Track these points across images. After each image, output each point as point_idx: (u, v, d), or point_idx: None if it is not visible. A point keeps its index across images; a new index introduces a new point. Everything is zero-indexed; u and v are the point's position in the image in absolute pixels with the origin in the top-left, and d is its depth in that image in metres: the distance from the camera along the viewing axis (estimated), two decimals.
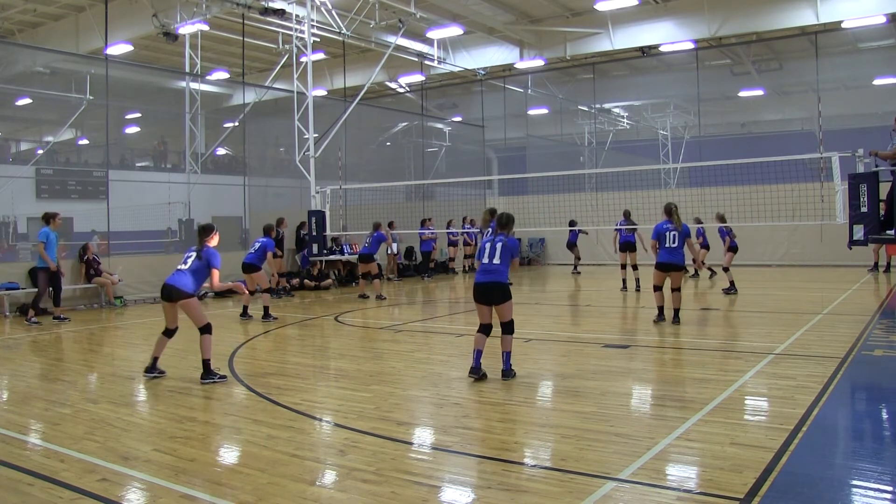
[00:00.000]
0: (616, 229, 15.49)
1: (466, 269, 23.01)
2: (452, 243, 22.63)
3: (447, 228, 21.24)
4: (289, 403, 6.27)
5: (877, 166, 8.33)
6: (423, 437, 5.44)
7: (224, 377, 7.23)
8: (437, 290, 17.65)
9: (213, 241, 7.54)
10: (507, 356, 6.96)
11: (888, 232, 8.19)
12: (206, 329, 7.21)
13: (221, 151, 23.69)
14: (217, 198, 20.27)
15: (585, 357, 8.31)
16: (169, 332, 7.40)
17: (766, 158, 12.82)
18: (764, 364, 7.38)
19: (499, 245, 6.96)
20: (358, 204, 20.57)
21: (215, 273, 7.34)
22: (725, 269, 14.43)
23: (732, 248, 14.60)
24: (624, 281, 15.15)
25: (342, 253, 18.71)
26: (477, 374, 6.87)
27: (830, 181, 11.62)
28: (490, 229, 11.90)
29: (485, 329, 7.03)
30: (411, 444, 5.21)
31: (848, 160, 10.27)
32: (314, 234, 16.54)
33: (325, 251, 16.77)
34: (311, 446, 5.23)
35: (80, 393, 6.97)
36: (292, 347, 9.91)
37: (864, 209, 8.26)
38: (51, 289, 12.14)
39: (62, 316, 12.18)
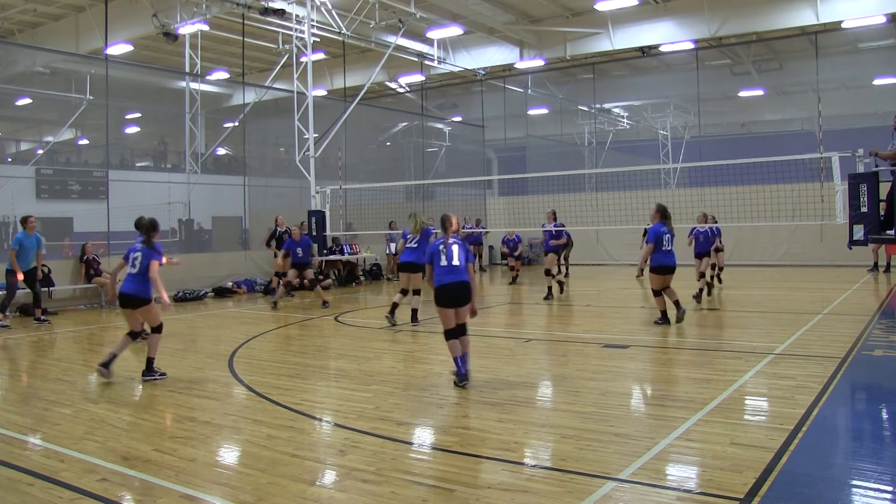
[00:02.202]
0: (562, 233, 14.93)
1: None
2: None
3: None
4: (289, 403, 6.27)
5: (877, 166, 8.32)
6: (423, 437, 5.44)
7: (164, 374, 7.30)
8: None
9: (157, 237, 7.50)
10: (466, 358, 6.81)
11: (888, 232, 8.17)
12: (158, 329, 7.40)
13: (221, 151, 23.70)
14: (217, 198, 20.28)
15: (585, 357, 8.30)
16: (133, 335, 7.48)
17: (766, 158, 12.80)
18: (764, 364, 7.38)
19: (455, 247, 6.81)
20: (358, 204, 20.58)
21: (154, 264, 7.22)
22: (703, 276, 13.28)
23: (704, 251, 13.40)
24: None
25: (342, 253, 18.72)
26: (468, 379, 6.71)
27: (830, 181, 11.62)
28: (420, 234, 10.88)
29: (454, 332, 6.79)
30: (411, 444, 5.21)
31: (848, 160, 10.27)
32: (314, 234, 16.54)
33: (324, 251, 16.77)
34: (311, 446, 5.23)
35: (80, 393, 6.97)
36: (292, 347, 9.91)
37: (864, 209, 8.24)
38: (30, 290, 11.95)
39: (42, 318, 12.04)
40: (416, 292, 11.21)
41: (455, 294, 6.73)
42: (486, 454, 4.78)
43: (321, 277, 16.48)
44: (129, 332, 7.47)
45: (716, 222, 14.53)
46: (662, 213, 10.33)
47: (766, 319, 11.19)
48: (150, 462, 4.75)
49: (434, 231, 10.76)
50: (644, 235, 17.28)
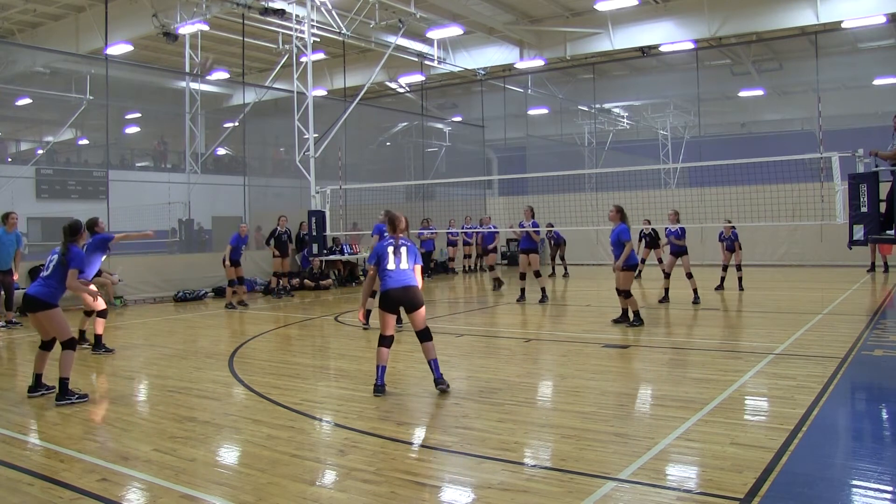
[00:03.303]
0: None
1: (466, 269, 23.05)
2: (452, 243, 22.66)
3: (448, 228, 21.26)
4: (289, 403, 6.27)
5: (877, 166, 8.32)
6: (423, 437, 5.44)
7: (85, 396, 6.50)
8: (436, 290, 17.66)
9: (81, 241, 6.93)
10: (436, 364, 6.51)
11: (888, 232, 8.18)
12: (69, 344, 6.50)
13: (221, 151, 23.69)
14: (217, 198, 20.28)
15: (585, 357, 8.30)
16: (46, 345, 6.72)
17: (766, 158, 12.78)
18: (764, 364, 7.38)
19: (403, 250, 6.53)
20: (358, 204, 20.58)
21: (71, 272, 6.59)
22: (689, 276, 12.96)
23: (674, 252, 13.13)
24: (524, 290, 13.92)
25: (342, 253, 18.73)
26: (383, 391, 6.44)
27: (830, 181, 11.60)
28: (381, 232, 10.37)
29: (389, 342, 6.55)
30: (411, 444, 5.21)
31: (848, 160, 10.25)
32: (314, 234, 16.55)
33: (325, 251, 16.78)
34: (311, 446, 5.23)
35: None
36: (292, 347, 9.91)
37: (864, 209, 8.24)
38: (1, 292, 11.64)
39: (14, 320, 11.79)
40: None
41: (401, 300, 6.47)
42: (486, 454, 4.78)
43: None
44: (41, 343, 6.75)
45: (729, 223, 14.34)
46: (623, 214, 10.41)
47: (766, 319, 11.19)
48: (150, 462, 4.75)
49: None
50: (639, 240, 17.24)
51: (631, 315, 10.27)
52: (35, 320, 6.63)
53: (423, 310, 6.57)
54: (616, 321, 10.42)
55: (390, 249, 6.52)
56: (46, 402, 6.49)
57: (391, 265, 6.48)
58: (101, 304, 8.98)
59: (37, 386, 6.72)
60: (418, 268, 6.63)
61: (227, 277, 14.32)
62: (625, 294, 10.27)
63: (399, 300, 6.49)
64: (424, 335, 6.54)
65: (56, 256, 6.66)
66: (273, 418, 5.82)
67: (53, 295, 6.57)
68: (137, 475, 4.52)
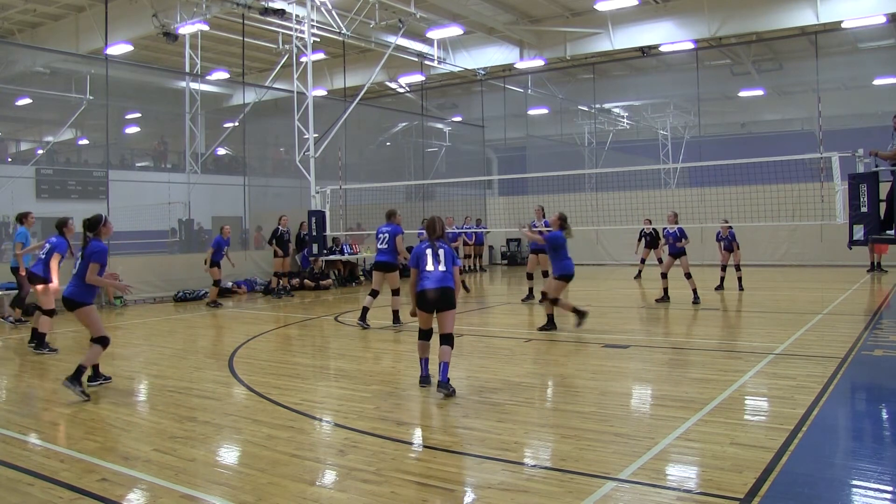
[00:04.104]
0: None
1: (466, 269, 23.04)
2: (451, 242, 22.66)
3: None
4: (289, 403, 6.27)
5: (877, 166, 8.33)
6: (423, 437, 5.44)
7: (88, 398, 6.51)
8: None
9: (104, 234, 6.91)
10: (445, 367, 6.40)
11: (888, 232, 8.18)
12: (100, 341, 6.78)
13: (221, 151, 23.69)
14: (217, 198, 20.28)
15: (585, 357, 8.31)
16: (101, 340, 6.91)
17: (766, 158, 12.79)
18: (764, 364, 7.38)
19: (441, 252, 6.65)
20: (358, 204, 20.58)
21: (91, 266, 6.62)
22: (688, 276, 12.80)
23: (672, 253, 13.00)
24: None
25: (342, 253, 18.73)
26: (429, 382, 6.65)
27: (830, 181, 11.61)
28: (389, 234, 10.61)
29: (427, 335, 6.73)
30: (411, 444, 5.21)
31: (848, 160, 10.26)
32: (314, 234, 16.55)
33: (324, 251, 16.80)
34: (311, 446, 5.23)
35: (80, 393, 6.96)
36: (292, 347, 9.91)
37: (864, 209, 8.25)
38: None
39: (22, 318, 11.97)
40: (395, 292, 11.02)
41: (436, 301, 6.50)
42: (486, 454, 4.78)
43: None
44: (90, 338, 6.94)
45: (727, 223, 14.32)
46: (563, 222, 9.99)
47: (766, 319, 11.19)
48: (150, 462, 4.75)
49: (402, 231, 10.90)
50: (640, 239, 17.32)
51: (546, 320, 10.08)
52: (77, 318, 6.86)
53: (453, 312, 6.58)
54: (542, 328, 10.04)
55: (429, 252, 6.66)
56: (46, 402, 6.50)
57: (429, 266, 6.59)
58: (51, 302, 9.12)
59: (95, 376, 7.02)
60: (457, 269, 6.74)
61: (213, 277, 14.49)
62: (552, 300, 9.99)
63: (434, 300, 6.53)
64: (447, 339, 6.52)
65: (80, 252, 6.84)
66: (273, 418, 5.82)
67: (84, 293, 6.74)
68: (137, 475, 4.52)
